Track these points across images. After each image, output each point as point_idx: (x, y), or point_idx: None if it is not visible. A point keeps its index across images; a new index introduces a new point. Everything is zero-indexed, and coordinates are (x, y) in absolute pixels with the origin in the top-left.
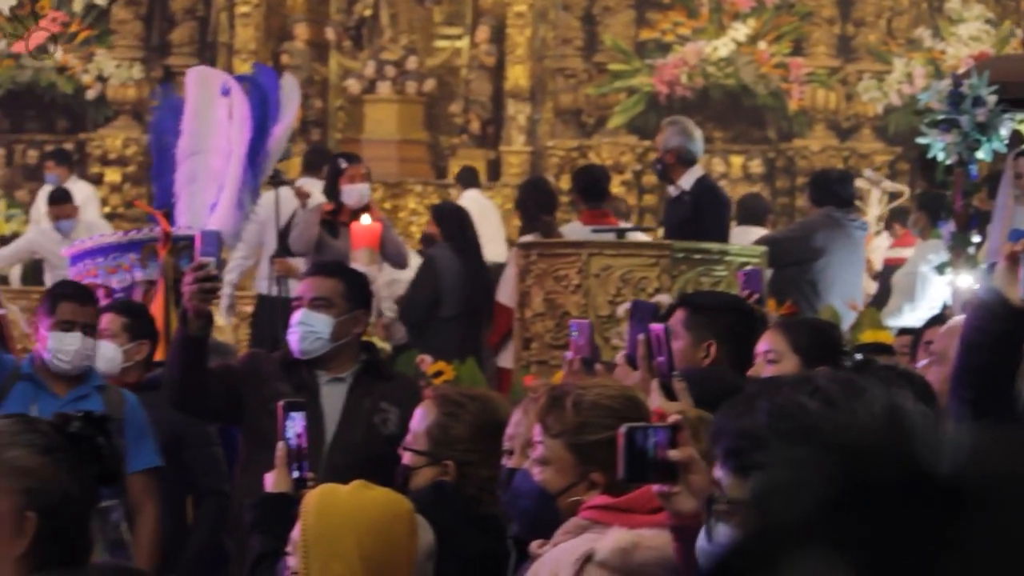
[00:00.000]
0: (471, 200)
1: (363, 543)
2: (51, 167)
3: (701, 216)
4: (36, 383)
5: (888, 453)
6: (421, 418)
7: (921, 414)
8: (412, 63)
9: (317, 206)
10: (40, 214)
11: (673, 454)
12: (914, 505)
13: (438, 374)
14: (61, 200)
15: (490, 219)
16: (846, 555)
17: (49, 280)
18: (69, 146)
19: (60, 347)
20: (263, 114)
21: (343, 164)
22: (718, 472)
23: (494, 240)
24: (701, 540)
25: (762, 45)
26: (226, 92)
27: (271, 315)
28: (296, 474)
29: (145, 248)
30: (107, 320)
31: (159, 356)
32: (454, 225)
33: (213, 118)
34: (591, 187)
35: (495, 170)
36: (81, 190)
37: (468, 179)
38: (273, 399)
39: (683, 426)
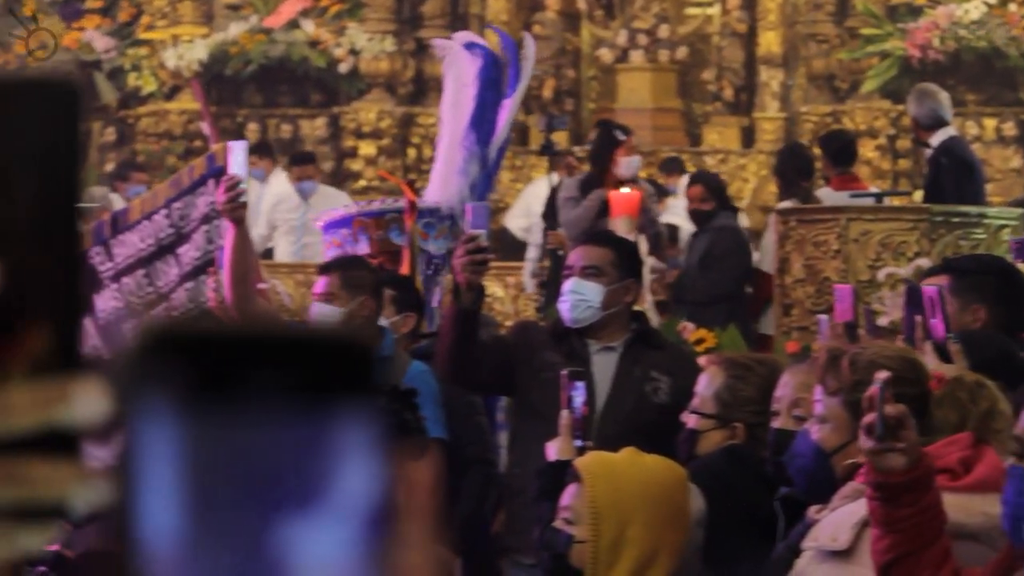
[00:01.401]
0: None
1: (651, 510)
2: (255, 162)
3: (942, 177)
4: None
5: None
6: (707, 383)
7: None
8: (664, 31)
9: (598, 195)
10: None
11: (888, 410)
12: None
13: (699, 341)
14: (303, 161)
15: None
16: None
17: (282, 247)
18: (322, 120)
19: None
20: (494, 80)
21: (620, 136)
22: None
23: None
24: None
25: (1012, 7)
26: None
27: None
28: (579, 443)
29: (356, 222)
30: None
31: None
32: (724, 192)
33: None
34: (841, 152)
35: (749, 137)
36: (282, 182)
37: (676, 167)
38: (544, 369)
39: (890, 382)
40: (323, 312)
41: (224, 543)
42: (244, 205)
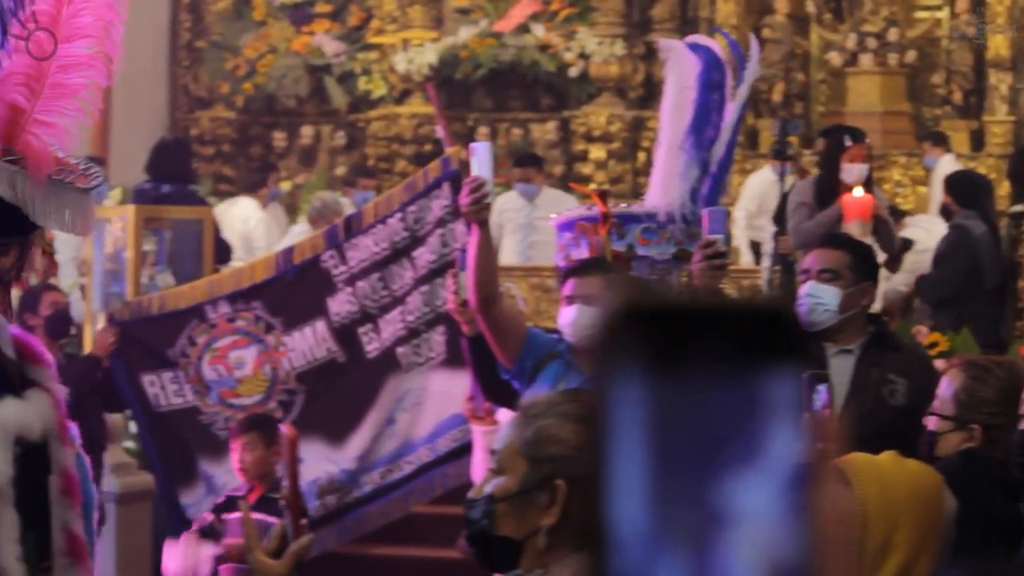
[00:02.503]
0: (950, 164)
1: (918, 514)
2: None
3: None
4: (566, 361)
5: None
6: (948, 384)
7: None
8: (893, 35)
9: (834, 212)
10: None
11: None
12: None
13: (933, 345)
14: (528, 163)
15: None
16: None
17: (508, 247)
18: (552, 124)
19: (562, 322)
20: (716, 84)
21: (848, 141)
22: None
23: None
24: None
25: None
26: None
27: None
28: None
29: (578, 226)
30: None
31: None
32: (969, 192)
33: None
34: None
35: (978, 140)
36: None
37: (940, 140)
38: None
39: None
40: (586, 314)
41: (678, 494)
42: (488, 206)
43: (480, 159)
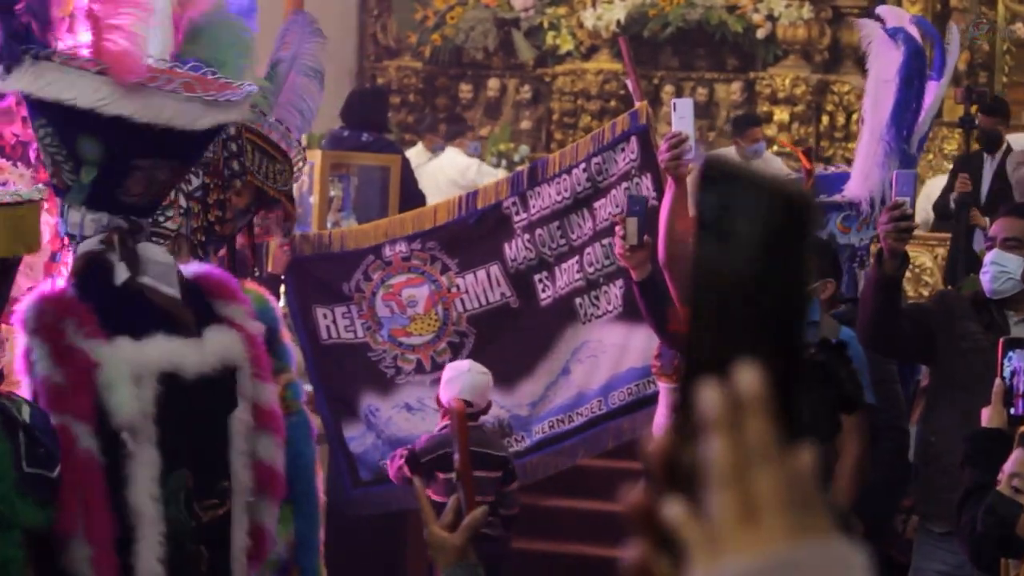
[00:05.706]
0: None
1: None
2: (432, 139)
3: None
4: None
5: None
6: None
7: None
8: None
9: None
10: None
11: None
12: None
13: None
14: (753, 124)
15: None
16: None
17: None
18: (737, 85)
19: None
20: (916, 74)
21: None
22: None
23: None
24: None
25: None
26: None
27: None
28: (1012, 411)
29: None
30: None
31: None
32: None
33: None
34: None
35: None
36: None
37: None
38: (962, 338)
39: None
40: None
41: None
42: (687, 162)
43: (681, 114)
